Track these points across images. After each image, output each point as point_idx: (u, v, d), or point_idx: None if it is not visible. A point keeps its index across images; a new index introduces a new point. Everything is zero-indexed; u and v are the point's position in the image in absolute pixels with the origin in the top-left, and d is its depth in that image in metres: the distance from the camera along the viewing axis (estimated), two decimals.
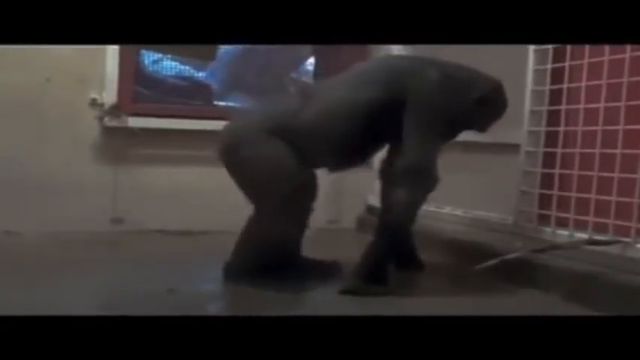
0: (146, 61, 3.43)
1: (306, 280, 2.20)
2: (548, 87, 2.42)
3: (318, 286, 2.16)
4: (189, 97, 3.48)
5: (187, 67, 3.52)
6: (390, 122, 2.11)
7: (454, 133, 2.29)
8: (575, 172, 2.25)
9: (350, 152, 2.22)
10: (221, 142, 2.26)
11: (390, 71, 2.19)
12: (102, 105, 3.11)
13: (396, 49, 2.76)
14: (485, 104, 2.17)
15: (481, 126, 2.28)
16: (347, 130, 2.14)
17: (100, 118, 3.11)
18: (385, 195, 2.14)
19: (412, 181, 2.07)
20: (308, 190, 2.17)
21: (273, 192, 2.15)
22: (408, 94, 2.10)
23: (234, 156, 2.22)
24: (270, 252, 2.18)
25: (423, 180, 2.10)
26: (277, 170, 2.15)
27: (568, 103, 2.33)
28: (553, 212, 2.32)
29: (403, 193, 2.07)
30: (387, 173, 2.13)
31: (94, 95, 3.10)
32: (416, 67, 2.17)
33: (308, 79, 3.65)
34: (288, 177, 2.14)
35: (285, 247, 2.21)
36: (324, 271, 2.29)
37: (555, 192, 2.33)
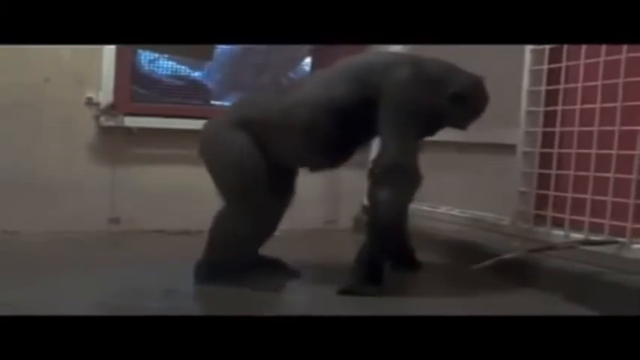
0: (143, 61, 3.43)
1: (266, 278, 2.23)
2: (544, 87, 2.43)
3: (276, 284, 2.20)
4: (186, 96, 3.48)
5: (184, 67, 3.52)
6: (366, 121, 2.10)
7: (432, 130, 2.28)
8: (572, 172, 2.26)
9: (326, 149, 2.20)
10: (199, 137, 2.30)
11: (362, 68, 2.18)
12: (98, 104, 3.11)
13: (393, 49, 2.76)
14: (461, 101, 2.15)
15: (460, 123, 2.27)
16: (318, 127, 2.13)
17: (97, 118, 3.11)
18: (370, 195, 2.14)
19: (391, 179, 2.06)
20: (263, 186, 2.16)
21: (230, 185, 2.19)
22: (379, 92, 2.09)
23: (204, 147, 2.27)
24: (232, 248, 2.20)
25: (403, 178, 2.08)
26: (235, 164, 2.17)
27: (564, 103, 2.34)
28: (549, 212, 2.33)
29: (385, 191, 2.06)
30: (372, 173, 2.13)
31: (90, 95, 3.10)
32: (388, 64, 2.15)
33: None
34: (245, 172, 2.16)
35: (246, 243, 2.22)
36: (277, 269, 2.33)
37: (551, 192, 2.34)
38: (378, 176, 2.08)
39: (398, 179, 2.06)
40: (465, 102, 2.16)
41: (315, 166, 2.33)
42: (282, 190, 2.28)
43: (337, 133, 2.14)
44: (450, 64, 2.21)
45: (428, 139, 2.30)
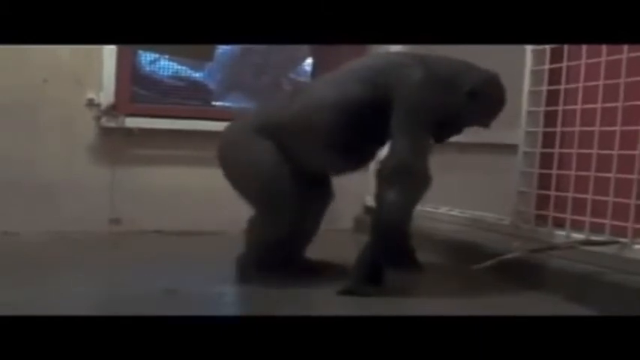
0: (143, 62, 3.43)
1: (307, 280, 2.22)
2: (545, 87, 2.43)
3: (318, 286, 2.17)
4: (187, 97, 3.48)
5: (184, 68, 3.52)
6: (381, 122, 2.10)
7: (451, 130, 2.28)
8: (573, 172, 2.26)
9: (342, 152, 2.20)
10: (218, 143, 2.28)
11: (375, 69, 2.17)
12: (99, 105, 3.11)
13: (394, 49, 2.76)
14: (476, 97, 2.15)
15: (481, 121, 2.28)
16: (332, 129, 2.13)
17: (97, 119, 3.11)
18: (377, 196, 2.14)
19: (401, 181, 2.05)
20: (292, 189, 2.15)
21: (260, 191, 2.17)
22: (393, 93, 2.09)
23: (226, 156, 2.25)
24: (272, 250, 2.20)
25: (413, 180, 2.08)
26: (264, 173, 2.16)
27: (565, 104, 2.34)
28: (550, 212, 2.33)
29: (393, 193, 2.06)
30: (381, 174, 2.13)
31: (90, 96, 3.10)
32: (400, 65, 2.14)
33: (306, 80, 3.66)
34: (273, 176, 2.15)
35: (284, 245, 2.22)
36: (323, 271, 2.30)
37: (552, 192, 2.33)
38: (387, 177, 2.07)
39: (407, 181, 2.06)
40: (481, 98, 2.16)
41: (337, 169, 2.32)
42: (316, 191, 2.29)
43: (356, 135, 2.14)
44: (463, 61, 2.21)
45: (453, 139, 2.32)
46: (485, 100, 2.19)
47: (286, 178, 2.14)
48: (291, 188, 2.14)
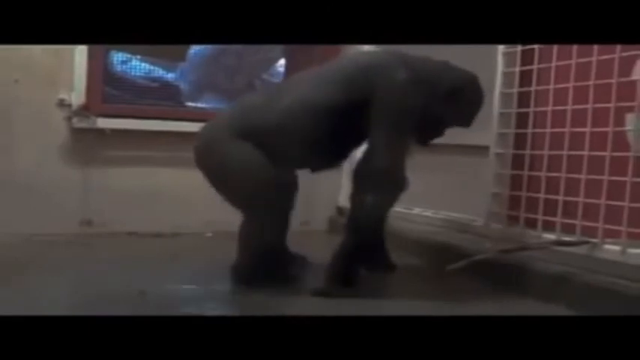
0: (115, 62, 3.40)
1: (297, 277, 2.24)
2: (516, 89, 2.45)
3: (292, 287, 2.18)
4: (159, 98, 3.45)
5: (157, 68, 3.50)
6: (360, 121, 2.10)
7: (434, 131, 2.30)
8: (544, 173, 2.28)
9: (321, 151, 2.20)
10: (195, 145, 2.25)
11: (356, 70, 2.18)
12: (70, 106, 3.08)
13: (367, 49, 2.76)
14: (455, 97, 2.17)
15: (461, 121, 2.28)
16: (312, 129, 2.13)
17: (69, 119, 3.08)
18: (354, 197, 2.14)
19: (379, 183, 2.07)
20: (279, 188, 2.13)
21: (243, 193, 2.15)
22: (373, 93, 2.09)
23: (205, 160, 2.22)
24: (267, 255, 2.18)
25: (391, 182, 2.10)
26: (244, 171, 2.13)
27: (536, 105, 2.36)
28: (522, 213, 2.35)
29: (370, 194, 2.07)
30: (357, 174, 2.13)
31: (62, 96, 3.07)
32: (381, 66, 2.15)
33: (278, 81, 3.65)
34: (255, 177, 2.12)
35: (275, 245, 2.21)
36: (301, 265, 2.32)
37: (524, 193, 2.36)
38: (365, 179, 2.08)
39: (385, 184, 2.07)
40: (460, 98, 2.18)
41: (315, 167, 2.31)
42: (288, 188, 2.27)
43: (336, 134, 2.14)
44: (444, 62, 2.22)
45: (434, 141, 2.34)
46: (463, 100, 2.20)
47: (273, 182, 2.11)
48: (279, 191, 2.13)
